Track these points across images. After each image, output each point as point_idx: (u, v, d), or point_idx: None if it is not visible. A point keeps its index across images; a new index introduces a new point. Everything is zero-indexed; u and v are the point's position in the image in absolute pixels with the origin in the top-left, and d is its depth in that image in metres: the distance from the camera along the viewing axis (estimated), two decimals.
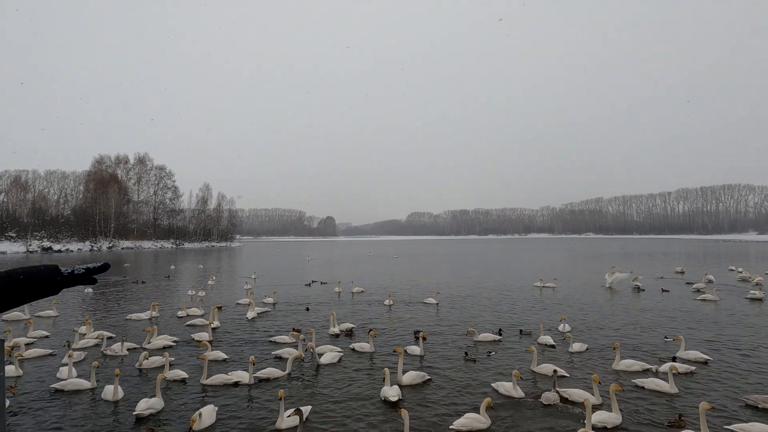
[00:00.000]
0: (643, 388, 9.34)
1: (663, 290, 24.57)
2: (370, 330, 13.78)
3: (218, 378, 9.85)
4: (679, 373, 9.92)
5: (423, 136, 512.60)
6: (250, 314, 17.59)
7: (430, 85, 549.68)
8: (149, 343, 13.09)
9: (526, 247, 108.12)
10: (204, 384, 9.77)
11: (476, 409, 7.98)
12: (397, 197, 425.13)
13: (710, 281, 26.99)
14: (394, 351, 11.07)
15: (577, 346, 12.34)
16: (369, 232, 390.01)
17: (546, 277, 29.38)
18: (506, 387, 9.13)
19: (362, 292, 25.19)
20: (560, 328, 14.72)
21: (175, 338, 13.86)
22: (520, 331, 14.67)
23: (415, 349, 12.14)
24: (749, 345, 12.85)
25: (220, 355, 11.68)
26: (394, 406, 8.49)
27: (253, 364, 10.16)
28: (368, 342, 12.61)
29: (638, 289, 25.20)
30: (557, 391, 8.75)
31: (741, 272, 31.05)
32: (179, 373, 10.15)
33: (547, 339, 13.22)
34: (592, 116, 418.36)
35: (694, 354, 11.40)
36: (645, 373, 10.35)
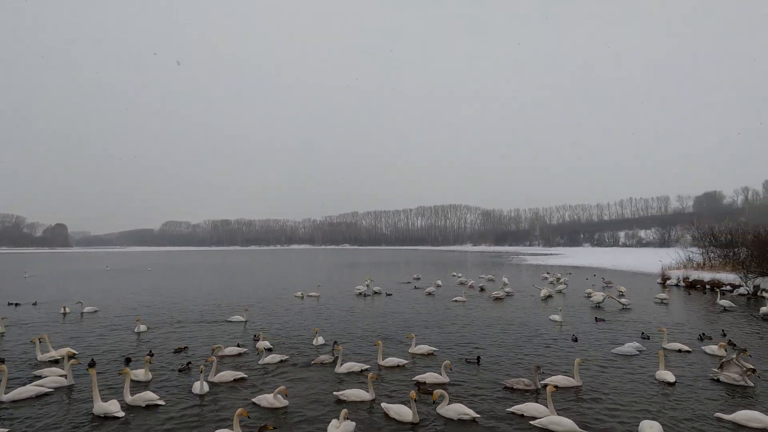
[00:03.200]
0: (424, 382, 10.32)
1: (387, 294, 28.66)
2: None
3: None
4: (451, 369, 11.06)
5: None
6: None
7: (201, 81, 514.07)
8: None
9: (289, 258, 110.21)
10: None
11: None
12: (149, 204, 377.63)
13: (438, 285, 32.14)
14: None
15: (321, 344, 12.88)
16: (114, 243, 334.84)
17: (309, 287, 30.45)
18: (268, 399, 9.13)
19: (95, 311, 21.74)
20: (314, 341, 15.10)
21: None
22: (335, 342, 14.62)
23: (141, 374, 10.84)
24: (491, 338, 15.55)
25: None
26: None
27: None
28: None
29: (385, 294, 28.32)
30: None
31: (460, 276, 38.01)
32: None
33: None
34: (353, 133, 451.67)
35: (426, 348, 13.38)
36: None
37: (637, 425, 7.85)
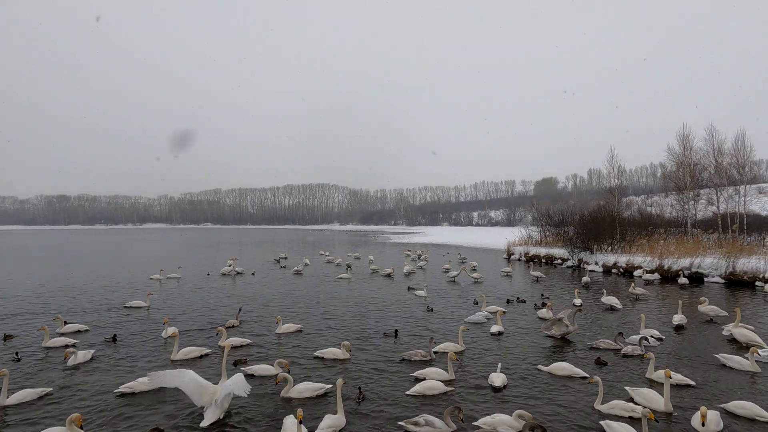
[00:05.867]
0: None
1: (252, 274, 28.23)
2: None
3: None
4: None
5: None
6: None
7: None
8: None
9: (142, 237, 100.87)
10: None
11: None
12: None
13: (307, 264, 32.11)
14: None
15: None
16: None
17: (168, 268, 28.26)
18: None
19: None
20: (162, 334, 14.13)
21: None
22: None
23: None
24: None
25: None
26: None
27: None
28: None
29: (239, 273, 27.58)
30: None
31: (328, 255, 38.57)
32: None
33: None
34: (215, 106, 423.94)
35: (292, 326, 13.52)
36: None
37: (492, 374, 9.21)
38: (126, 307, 17.45)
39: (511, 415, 7.07)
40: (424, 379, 9.01)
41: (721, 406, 7.63)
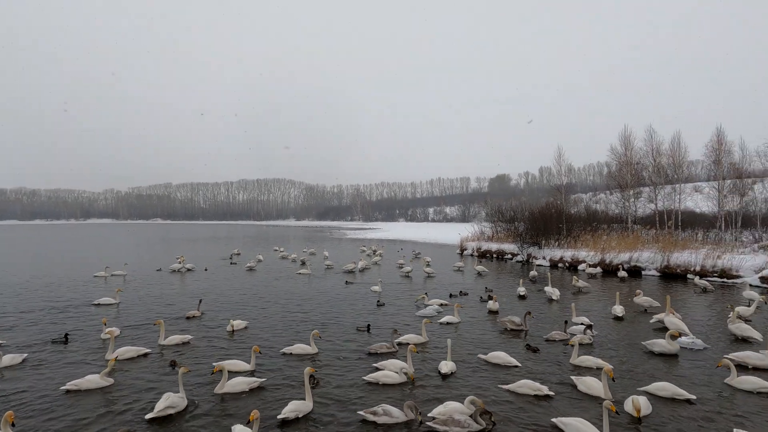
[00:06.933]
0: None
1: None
2: None
3: None
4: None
5: None
6: None
7: None
8: None
9: (86, 233, 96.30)
10: None
11: None
12: None
13: (260, 260, 31.71)
14: None
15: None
16: None
17: (113, 266, 27.20)
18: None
19: None
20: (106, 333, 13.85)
21: None
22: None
23: None
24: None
25: None
26: None
27: None
28: None
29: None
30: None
31: (282, 251, 38.27)
32: None
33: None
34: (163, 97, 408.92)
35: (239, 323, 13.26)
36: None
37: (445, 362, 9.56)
38: (95, 304, 16.84)
39: (462, 403, 7.36)
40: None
41: (643, 388, 8.19)
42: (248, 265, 28.80)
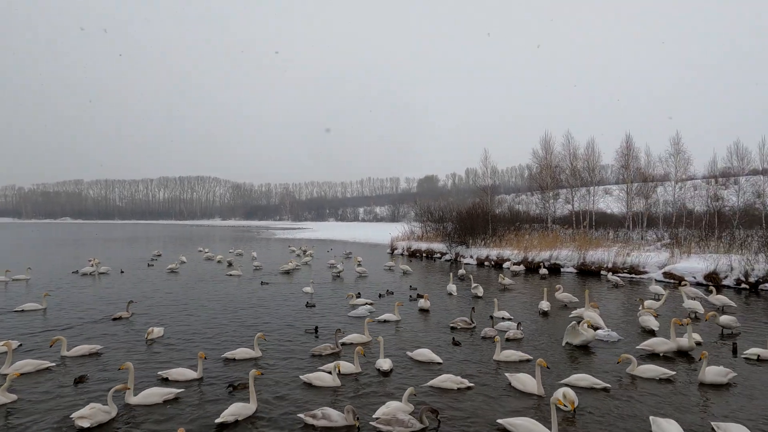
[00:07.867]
0: None
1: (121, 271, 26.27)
2: None
3: None
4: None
5: None
6: None
7: None
8: None
9: None
10: None
11: None
12: None
13: (183, 262, 30.11)
14: None
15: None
16: None
17: (15, 269, 24.55)
18: None
19: None
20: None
21: None
22: None
23: None
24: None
25: None
26: None
27: None
28: None
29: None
30: None
31: (207, 252, 36.63)
32: None
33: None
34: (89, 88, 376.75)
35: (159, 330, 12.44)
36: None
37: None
38: (17, 311, 15.20)
39: (401, 401, 7.39)
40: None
41: (564, 381, 8.57)
42: (170, 266, 27.18)
